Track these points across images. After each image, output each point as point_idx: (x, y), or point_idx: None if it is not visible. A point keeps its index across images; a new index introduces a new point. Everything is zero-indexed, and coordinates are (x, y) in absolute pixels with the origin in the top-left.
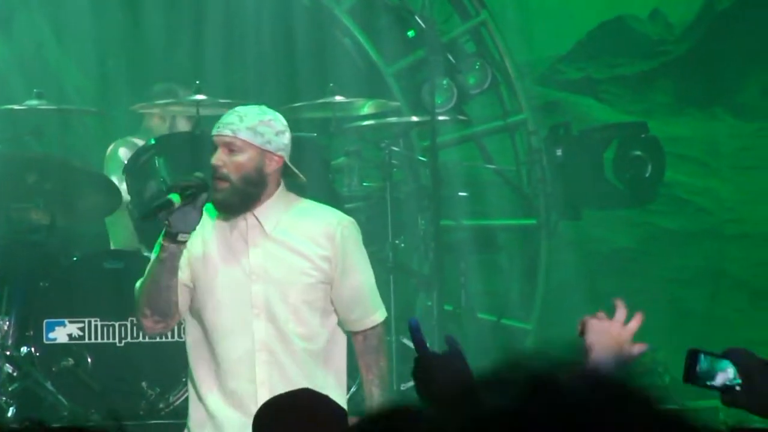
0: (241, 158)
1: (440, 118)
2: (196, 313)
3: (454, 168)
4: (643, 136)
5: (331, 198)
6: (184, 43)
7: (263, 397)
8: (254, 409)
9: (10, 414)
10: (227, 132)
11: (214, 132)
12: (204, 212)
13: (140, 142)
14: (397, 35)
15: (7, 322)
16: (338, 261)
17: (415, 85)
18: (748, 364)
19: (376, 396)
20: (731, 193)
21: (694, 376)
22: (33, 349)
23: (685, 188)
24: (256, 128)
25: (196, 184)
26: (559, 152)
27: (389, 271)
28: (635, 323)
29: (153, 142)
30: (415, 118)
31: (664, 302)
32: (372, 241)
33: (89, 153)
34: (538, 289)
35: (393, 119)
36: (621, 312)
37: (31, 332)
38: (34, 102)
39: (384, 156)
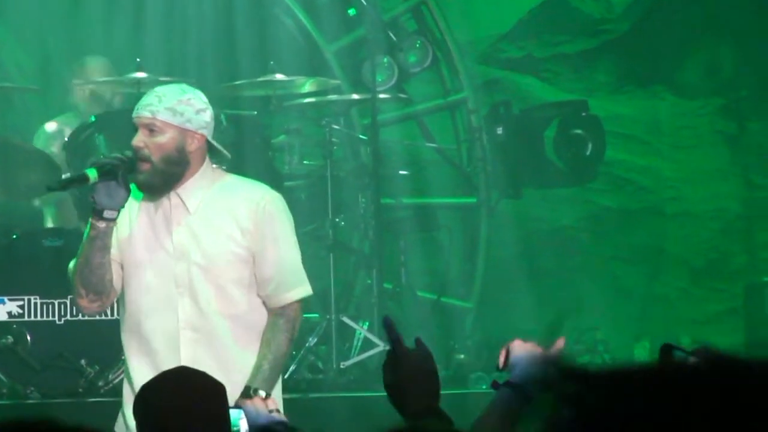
0: (162, 139)
1: (381, 96)
2: (124, 292)
3: (394, 146)
4: (583, 114)
5: (272, 176)
6: (124, 20)
7: None
8: None
9: None
10: (146, 113)
11: (135, 114)
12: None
13: (69, 121)
14: (338, 13)
15: None
16: (259, 235)
17: (356, 63)
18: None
19: (265, 372)
20: (672, 172)
21: None
22: None
23: (625, 167)
24: (175, 108)
25: (117, 161)
26: (499, 131)
27: (329, 249)
28: (557, 346)
29: (93, 119)
30: (355, 96)
31: (604, 280)
32: (312, 218)
33: (29, 131)
34: (478, 268)
35: (333, 97)
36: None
37: None
38: None
39: (324, 134)
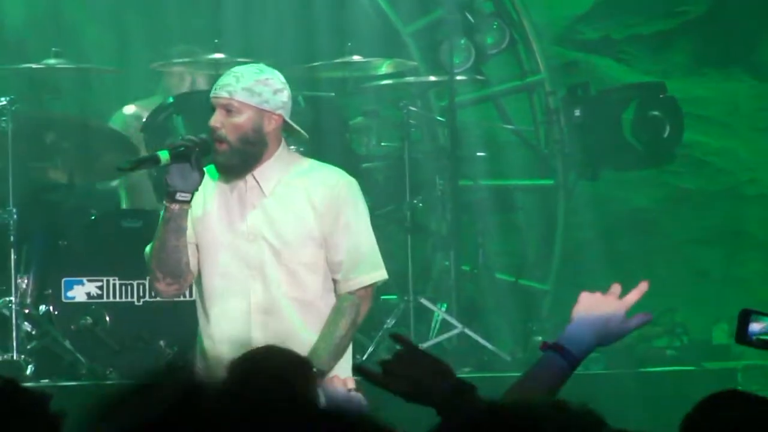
0: (239, 119)
1: (458, 78)
2: (200, 273)
3: (471, 128)
4: (661, 96)
5: (349, 158)
6: (202, 1)
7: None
8: None
9: (28, 372)
10: (224, 93)
11: (212, 94)
12: (206, 174)
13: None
14: None
15: (26, 281)
16: (332, 219)
17: (433, 45)
18: None
19: (321, 352)
20: (750, 154)
21: (745, 336)
22: (51, 308)
23: (703, 149)
24: (252, 88)
25: (190, 143)
26: (577, 112)
27: (407, 231)
28: (633, 296)
29: (171, 100)
30: (432, 78)
31: (681, 263)
32: (390, 201)
33: (107, 112)
34: (555, 250)
35: (411, 79)
36: (615, 287)
37: (50, 291)
38: (52, 61)
39: (402, 116)
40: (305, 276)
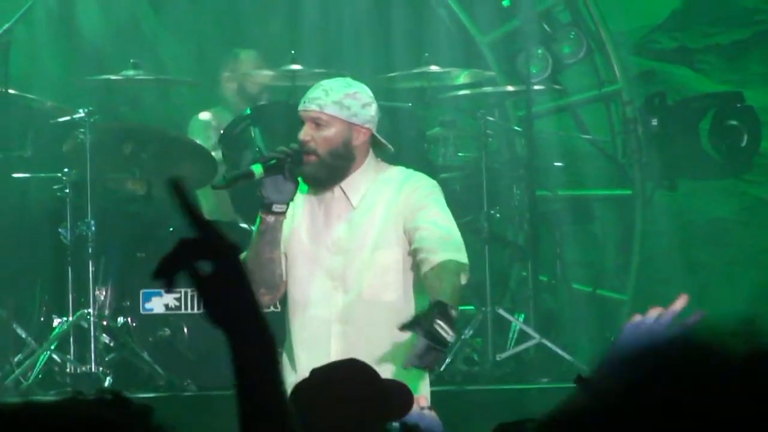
0: (329, 132)
1: (535, 87)
2: (287, 283)
3: (549, 138)
4: (738, 105)
5: (427, 168)
6: (279, 12)
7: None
8: None
9: (107, 384)
10: (314, 107)
11: (301, 107)
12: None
13: (219, 112)
14: (492, 4)
15: (104, 293)
16: (413, 209)
17: (510, 55)
18: None
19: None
20: None
21: None
22: (130, 320)
23: None
24: (342, 102)
25: (282, 155)
26: (654, 122)
27: (484, 241)
28: (677, 305)
29: (248, 111)
30: (510, 88)
31: (760, 273)
32: (467, 211)
33: (185, 123)
34: (633, 260)
35: (488, 89)
36: (681, 299)
37: (128, 303)
38: (130, 72)
39: (479, 126)
40: (389, 277)
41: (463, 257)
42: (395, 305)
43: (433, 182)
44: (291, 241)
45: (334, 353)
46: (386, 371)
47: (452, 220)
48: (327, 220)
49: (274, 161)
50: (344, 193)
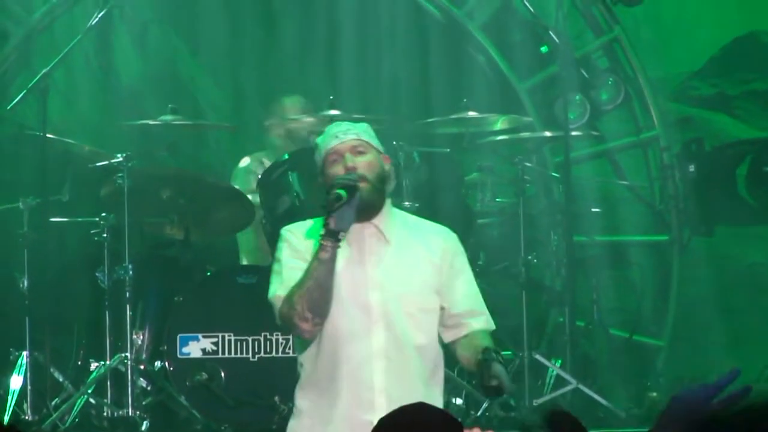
0: (370, 158)
1: (573, 133)
2: None
3: (586, 184)
4: None
5: (464, 213)
6: (317, 58)
7: (380, 403)
8: (371, 416)
9: (144, 428)
10: (352, 135)
11: (335, 142)
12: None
13: (264, 158)
14: (531, 51)
15: (141, 337)
16: (449, 268)
17: (548, 101)
18: None
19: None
20: None
21: None
22: (167, 364)
23: None
24: (369, 131)
25: (353, 181)
26: (691, 168)
27: (522, 287)
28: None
29: (287, 156)
30: (548, 134)
31: None
32: (504, 256)
33: (223, 168)
34: (670, 306)
35: (526, 134)
36: None
37: (165, 347)
38: (168, 117)
39: (517, 171)
40: (425, 320)
41: (492, 325)
42: (431, 349)
43: (458, 238)
44: None
45: (378, 389)
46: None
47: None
48: (361, 257)
49: (352, 186)
50: (378, 229)
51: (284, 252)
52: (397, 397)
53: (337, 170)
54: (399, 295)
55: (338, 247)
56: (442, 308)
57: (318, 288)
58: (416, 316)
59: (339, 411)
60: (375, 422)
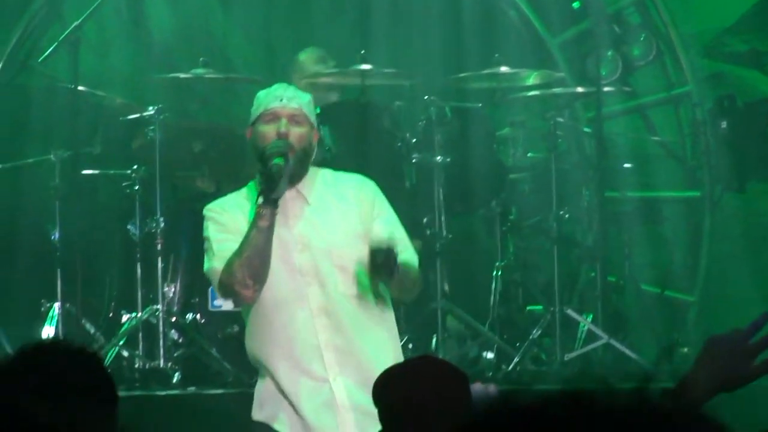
0: (303, 130)
1: (605, 89)
2: None
3: (618, 139)
4: None
5: (496, 169)
6: (349, 12)
7: (329, 359)
8: (322, 373)
9: (175, 380)
10: (294, 104)
11: (280, 103)
12: (247, 193)
13: None
14: (563, 6)
15: (173, 290)
16: (367, 214)
17: (580, 56)
18: None
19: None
20: None
21: None
22: (198, 316)
23: None
24: (310, 105)
25: (287, 148)
26: (723, 124)
27: (553, 242)
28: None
29: (318, 110)
30: (580, 89)
31: None
32: (536, 212)
33: None
34: (701, 262)
35: (558, 90)
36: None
37: (197, 299)
38: (200, 71)
39: (549, 127)
40: (357, 271)
41: (416, 260)
42: (364, 298)
43: (375, 184)
44: None
45: (324, 345)
46: (374, 358)
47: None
48: (285, 221)
49: (285, 154)
50: (299, 192)
51: (210, 229)
52: (345, 350)
53: (269, 130)
54: (326, 251)
55: (276, 213)
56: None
57: (258, 255)
58: (348, 268)
59: (295, 371)
60: (329, 379)
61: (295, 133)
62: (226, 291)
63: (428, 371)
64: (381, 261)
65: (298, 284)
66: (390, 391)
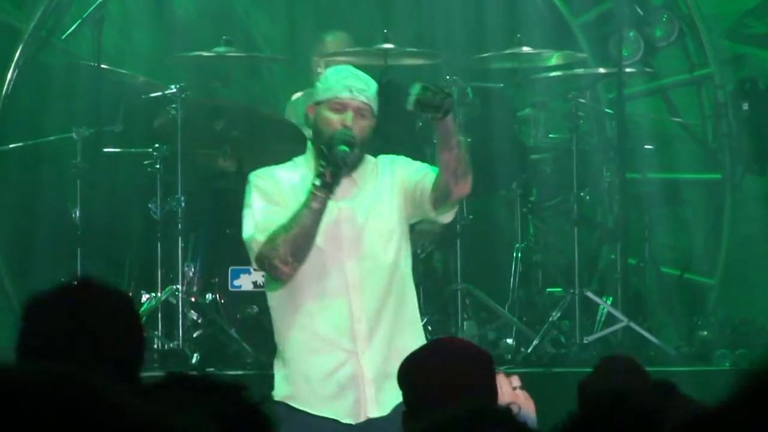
0: (367, 124)
1: (627, 70)
2: None
3: (639, 120)
4: None
5: (517, 149)
6: None
7: (359, 332)
8: (350, 346)
9: (194, 360)
10: (362, 98)
11: (350, 95)
12: (292, 168)
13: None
14: None
15: (193, 269)
16: (395, 177)
17: (602, 37)
18: None
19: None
20: None
21: None
22: (218, 296)
23: None
24: (376, 98)
25: (354, 139)
26: (745, 107)
27: (574, 223)
28: None
29: None
30: (601, 70)
31: None
32: (557, 192)
33: (276, 101)
34: (722, 244)
35: (580, 71)
36: None
37: (217, 279)
38: (222, 49)
39: (570, 107)
40: (393, 240)
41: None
42: (398, 264)
43: (395, 156)
44: None
45: (356, 318)
46: (403, 337)
47: None
48: (333, 196)
49: (352, 144)
50: (352, 178)
51: (255, 196)
52: (374, 325)
53: (334, 119)
54: (367, 224)
55: (330, 199)
56: (415, 191)
57: (304, 236)
58: (384, 236)
59: (323, 343)
60: (358, 352)
61: (360, 125)
62: (265, 263)
63: (453, 353)
64: (432, 93)
65: (338, 257)
66: (415, 374)
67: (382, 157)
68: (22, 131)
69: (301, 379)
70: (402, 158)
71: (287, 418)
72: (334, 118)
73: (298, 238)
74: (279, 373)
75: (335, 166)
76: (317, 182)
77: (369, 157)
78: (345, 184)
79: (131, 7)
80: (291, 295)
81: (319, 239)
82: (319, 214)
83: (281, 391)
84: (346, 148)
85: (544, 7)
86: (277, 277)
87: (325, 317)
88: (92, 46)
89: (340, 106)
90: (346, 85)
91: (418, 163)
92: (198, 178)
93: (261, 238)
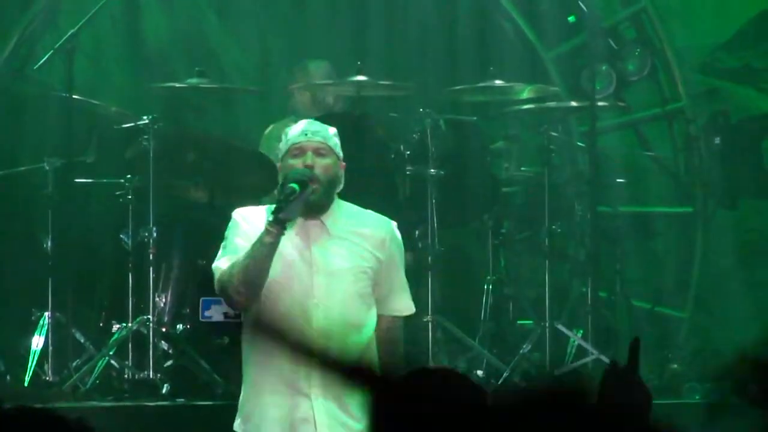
0: (329, 162)
1: (599, 103)
2: (263, 299)
3: (612, 154)
4: None
5: (489, 182)
6: (345, 23)
7: (315, 378)
8: (306, 390)
9: (164, 391)
10: (318, 138)
11: (305, 138)
12: (264, 211)
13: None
14: (558, 20)
15: (164, 300)
16: (387, 261)
17: (575, 70)
18: None
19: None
20: None
21: None
22: (189, 327)
23: None
24: (335, 138)
25: (309, 177)
26: (717, 141)
27: (545, 256)
28: None
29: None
30: (574, 104)
31: None
32: (528, 225)
33: (249, 132)
34: (693, 278)
35: (552, 104)
36: None
37: (188, 310)
38: (194, 80)
39: (542, 141)
40: (360, 304)
41: (409, 309)
42: (362, 329)
43: (395, 224)
44: (276, 262)
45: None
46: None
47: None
48: (307, 243)
49: (306, 181)
50: (324, 224)
51: (232, 231)
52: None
53: (296, 163)
54: (339, 279)
55: (282, 234)
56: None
57: (255, 267)
58: (353, 298)
59: (280, 384)
60: (311, 394)
61: (321, 164)
62: (222, 290)
63: (449, 384)
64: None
65: (307, 304)
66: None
67: (375, 216)
68: None
69: (258, 416)
70: (395, 250)
71: None
72: (296, 162)
73: (249, 270)
74: (240, 407)
75: (284, 201)
76: (270, 218)
77: (346, 203)
78: (316, 230)
79: (104, 38)
80: (255, 333)
81: (292, 285)
82: (271, 248)
83: (237, 426)
84: (296, 186)
85: (517, 41)
86: (232, 305)
87: (284, 359)
88: (64, 77)
89: (298, 151)
90: (300, 131)
91: (398, 277)
92: (170, 209)
93: (222, 267)
